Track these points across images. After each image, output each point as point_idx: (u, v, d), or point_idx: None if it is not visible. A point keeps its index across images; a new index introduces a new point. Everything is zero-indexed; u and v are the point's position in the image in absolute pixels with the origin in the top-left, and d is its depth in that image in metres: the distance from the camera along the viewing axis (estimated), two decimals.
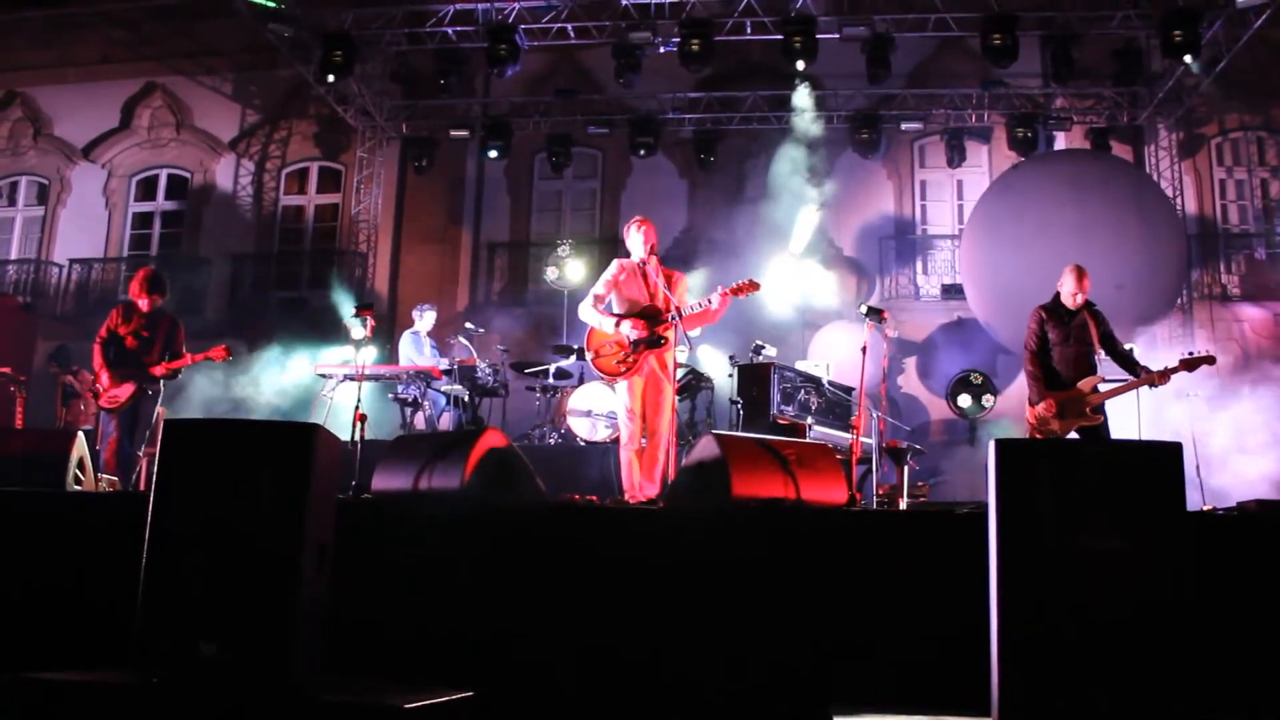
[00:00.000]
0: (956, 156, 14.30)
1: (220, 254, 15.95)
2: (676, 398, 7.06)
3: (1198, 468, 7.85)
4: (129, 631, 3.27)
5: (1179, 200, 13.74)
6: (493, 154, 14.62)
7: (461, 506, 4.49)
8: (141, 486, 7.28)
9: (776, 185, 12.87)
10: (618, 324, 6.38)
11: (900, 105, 14.21)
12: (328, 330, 13.07)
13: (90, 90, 16.54)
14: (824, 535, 4.25)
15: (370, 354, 10.03)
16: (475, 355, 10.28)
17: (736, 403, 8.85)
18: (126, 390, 7.53)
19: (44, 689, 3.13)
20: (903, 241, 14.87)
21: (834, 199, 13.38)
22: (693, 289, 7.33)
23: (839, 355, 11.06)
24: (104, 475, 6.91)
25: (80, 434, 6.30)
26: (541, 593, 4.21)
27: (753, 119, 14.38)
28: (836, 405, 9.35)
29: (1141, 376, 6.89)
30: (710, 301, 6.37)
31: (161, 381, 7.65)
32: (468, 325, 10.81)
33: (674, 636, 4.06)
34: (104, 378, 7.57)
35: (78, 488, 5.98)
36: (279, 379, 12.01)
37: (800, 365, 9.93)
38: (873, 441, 7.75)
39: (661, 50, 12.59)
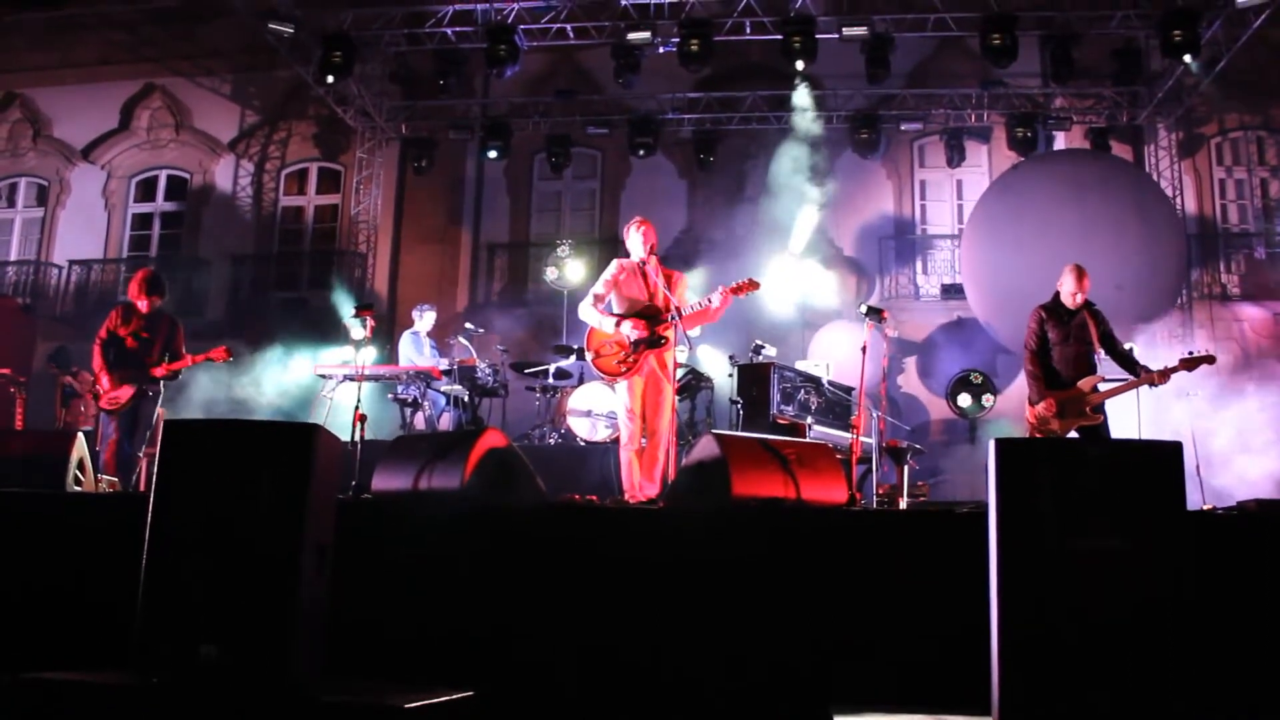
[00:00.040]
0: (956, 156, 14.30)
1: (220, 255, 15.95)
2: (676, 398, 7.06)
3: (1198, 467, 7.85)
4: (129, 632, 3.27)
5: (1179, 200, 13.74)
6: (492, 154, 14.62)
7: (461, 507, 4.49)
8: (141, 487, 7.28)
9: (776, 185, 12.86)
10: (618, 324, 6.38)
11: (900, 105, 14.22)
12: (327, 331, 13.08)
13: (90, 91, 16.54)
14: (824, 535, 4.25)
15: (370, 354, 10.03)
16: (475, 355, 10.28)
17: (736, 402, 8.84)
18: (127, 392, 7.53)
19: (44, 689, 3.13)
20: (902, 241, 14.87)
21: (834, 199, 13.37)
22: (693, 289, 7.33)
23: (839, 355, 11.06)
24: (104, 476, 6.91)
25: (80, 435, 6.30)
26: (541, 593, 4.20)
27: (752, 119, 14.38)
28: (836, 405, 9.35)
29: (1141, 376, 6.89)
30: (711, 301, 6.38)
31: (162, 382, 7.65)
32: (467, 325, 10.81)
33: (674, 636, 4.06)
34: (104, 380, 7.56)
35: (77, 489, 5.98)
36: (279, 379, 12.02)
37: (800, 365, 9.93)
38: (873, 441, 7.75)
39: (661, 50, 12.59)
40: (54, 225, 16.58)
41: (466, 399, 10.11)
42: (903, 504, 7.69)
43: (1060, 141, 14.19)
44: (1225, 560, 3.88)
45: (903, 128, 14.32)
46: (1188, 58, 11.60)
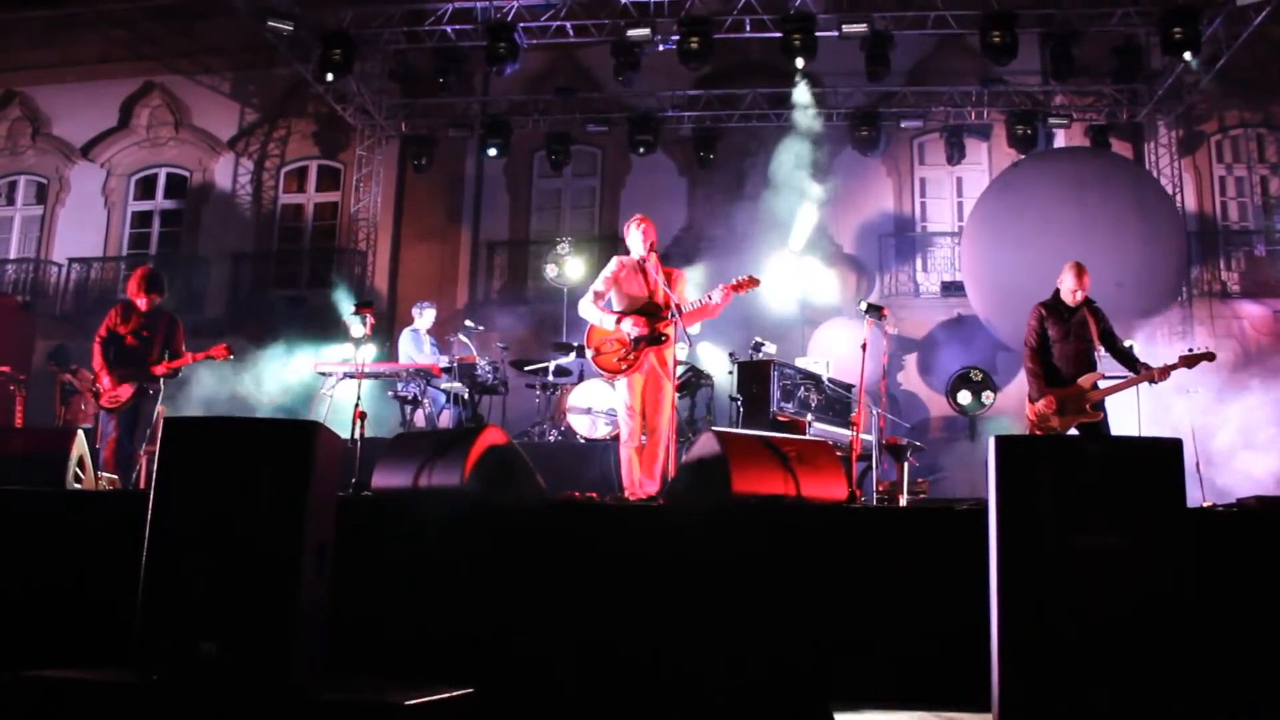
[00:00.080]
0: (956, 154, 14.29)
1: (219, 253, 15.95)
2: (676, 395, 7.06)
3: (1198, 464, 7.86)
4: (129, 630, 3.27)
5: (1179, 197, 13.74)
6: (492, 152, 14.62)
7: (461, 504, 4.49)
8: (141, 485, 7.28)
9: (776, 183, 12.86)
10: (618, 321, 6.38)
11: (900, 103, 14.21)
12: (327, 328, 13.08)
13: (89, 89, 16.54)
14: (824, 532, 4.25)
15: (370, 352, 10.04)
16: (475, 353, 10.27)
17: (736, 400, 8.84)
18: (127, 390, 7.53)
19: (44, 687, 3.13)
20: (902, 239, 14.88)
21: (834, 196, 13.37)
22: (693, 286, 7.33)
23: (839, 352, 11.07)
24: (104, 474, 6.90)
25: (80, 432, 6.30)
26: (542, 590, 4.21)
27: (752, 116, 14.38)
28: (836, 402, 9.35)
29: (1141, 373, 6.90)
30: (711, 298, 6.38)
31: (162, 380, 7.64)
32: (467, 323, 10.80)
33: (674, 633, 4.06)
34: (105, 379, 7.56)
35: (77, 486, 5.98)
36: (279, 377, 12.01)
37: (800, 362, 9.94)
38: (873, 438, 7.75)
39: (661, 48, 12.58)
40: (53, 223, 16.59)
41: (466, 396, 10.11)
42: (902, 501, 7.68)
43: (1060, 139, 14.19)
44: (1225, 558, 3.88)
45: (903, 125, 14.33)
46: (1188, 55, 11.59)
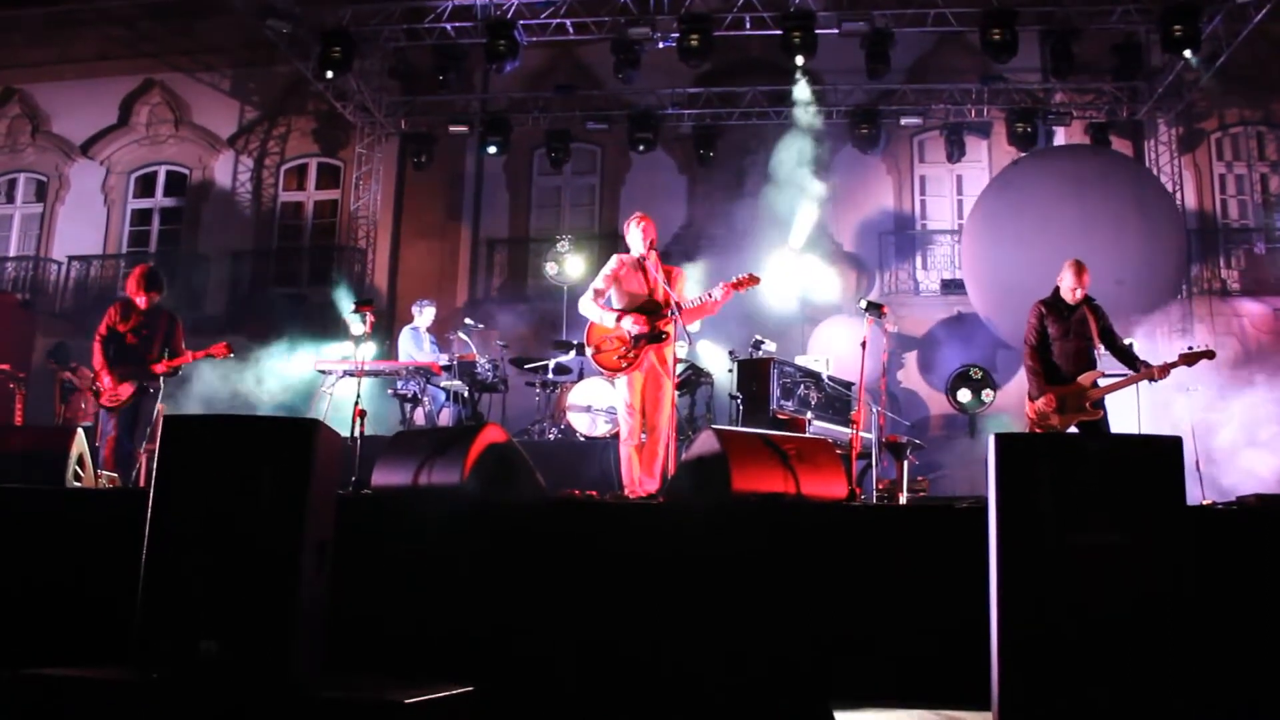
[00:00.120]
0: (956, 152, 14.30)
1: (219, 250, 15.95)
2: (676, 393, 7.06)
3: (1198, 462, 7.86)
4: (129, 628, 3.27)
5: (1179, 195, 13.74)
6: (492, 150, 14.61)
7: (461, 502, 4.49)
8: (141, 483, 7.28)
9: (776, 180, 12.87)
10: (619, 319, 6.38)
11: (900, 100, 14.19)
12: (327, 326, 13.08)
13: (89, 87, 16.53)
14: (824, 530, 4.25)
15: (370, 350, 10.04)
16: (475, 351, 10.27)
17: (736, 398, 8.85)
18: (127, 389, 7.53)
19: (44, 685, 3.13)
20: (902, 236, 14.88)
21: (834, 194, 13.37)
22: (693, 283, 7.33)
23: (839, 350, 11.06)
24: (103, 472, 6.91)
25: (80, 430, 6.31)
26: (541, 588, 4.21)
27: (752, 114, 14.37)
28: (836, 400, 9.35)
29: (1141, 371, 6.90)
30: (712, 295, 6.39)
31: (161, 379, 7.64)
32: (467, 321, 10.80)
33: (674, 631, 4.06)
34: (105, 379, 7.56)
35: (77, 484, 5.99)
36: (279, 375, 12.01)
37: (800, 360, 9.93)
38: (872, 436, 7.75)
39: (660, 45, 12.58)
40: (53, 221, 16.58)
41: (466, 394, 10.11)
42: (902, 499, 7.69)
43: (1060, 137, 14.18)
44: (1225, 555, 3.88)
45: (903, 123, 14.31)
46: (1188, 53, 11.59)
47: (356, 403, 6.93)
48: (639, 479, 6.35)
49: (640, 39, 12.51)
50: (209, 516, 3.27)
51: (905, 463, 8.17)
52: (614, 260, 6.64)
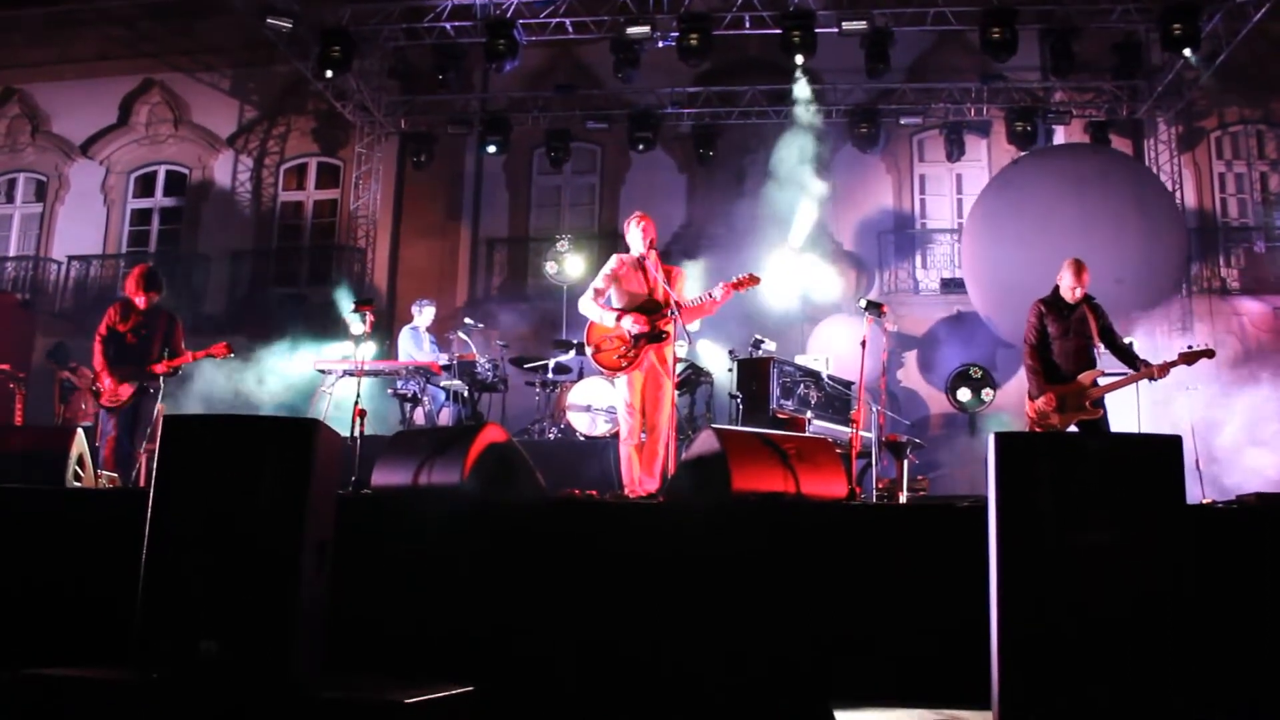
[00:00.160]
0: (956, 151, 14.29)
1: (219, 250, 15.94)
2: (676, 392, 7.06)
3: (1198, 461, 7.86)
4: (129, 628, 3.27)
5: (1178, 194, 13.73)
6: (491, 149, 14.60)
7: (461, 502, 4.49)
8: (141, 483, 7.28)
9: (775, 179, 12.86)
10: (618, 319, 6.38)
11: (899, 99, 14.19)
12: (327, 326, 13.07)
13: (88, 87, 16.52)
14: (823, 529, 4.25)
15: (370, 349, 10.04)
16: (475, 350, 10.27)
17: (736, 397, 8.84)
18: (128, 390, 7.53)
19: (44, 685, 3.13)
20: (902, 236, 14.87)
21: (833, 193, 13.37)
22: (692, 282, 7.33)
23: (838, 349, 11.05)
24: (103, 472, 6.91)
25: (80, 430, 6.31)
26: (541, 588, 4.21)
27: (751, 113, 14.37)
28: (836, 399, 9.35)
29: (1141, 370, 6.91)
30: (712, 295, 6.39)
31: (161, 379, 7.64)
32: (467, 320, 10.80)
33: (674, 631, 4.07)
34: (106, 380, 7.56)
35: (77, 484, 5.99)
36: (279, 375, 12.01)
37: (800, 359, 9.93)
38: (872, 435, 7.75)
39: (660, 45, 12.58)
40: (53, 221, 16.58)
41: (466, 394, 10.11)
42: (902, 498, 7.69)
43: (1060, 136, 14.17)
44: (1225, 554, 3.88)
45: (902, 122, 14.30)
46: (1187, 51, 11.59)
47: (356, 402, 6.92)
48: (639, 478, 6.35)
49: (640, 38, 12.50)
50: (209, 516, 3.27)
51: (905, 462, 8.18)
52: (614, 260, 6.65)
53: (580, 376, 9.91)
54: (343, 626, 3.65)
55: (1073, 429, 6.90)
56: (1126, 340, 7.33)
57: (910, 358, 14.16)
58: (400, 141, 15.62)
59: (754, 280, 6.52)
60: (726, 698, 3.96)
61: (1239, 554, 3.94)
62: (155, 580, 3.25)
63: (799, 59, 12.27)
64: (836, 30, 12.32)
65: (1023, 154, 13.42)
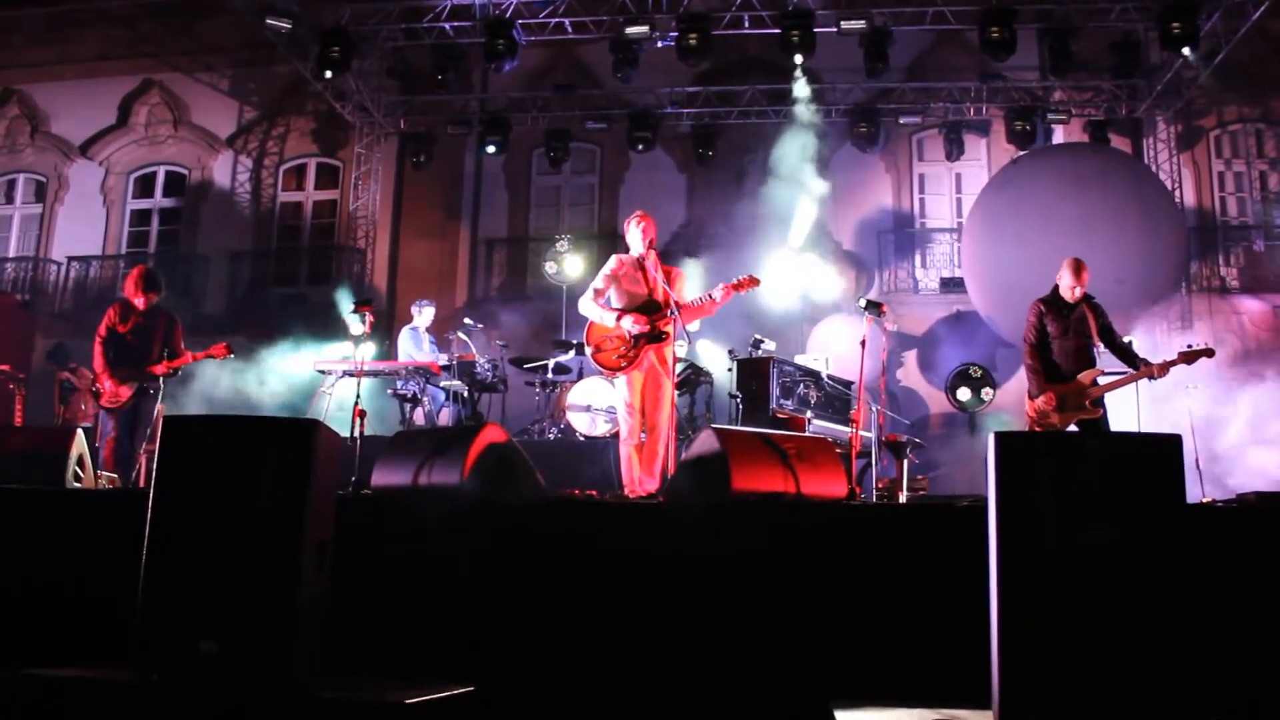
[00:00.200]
0: (955, 150, 14.29)
1: (218, 251, 15.94)
2: (676, 392, 7.06)
3: (1198, 460, 7.87)
4: (129, 629, 3.27)
5: (1177, 193, 13.73)
6: (491, 149, 14.59)
7: (461, 502, 4.49)
8: (141, 484, 7.28)
9: (775, 179, 12.87)
10: (618, 319, 6.38)
11: (898, 99, 14.18)
12: (327, 326, 13.06)
13: (88, 87, 16.51)
14: (823, 529, 4.25)
15: (369, 350, 10.03)
16: (474, 351, 10.28)
17: (736, 397, 8.84)
18: (127, 391, 7.53)
19: (44, 686, 3.13)
20: (901, 235, 14.88)
21: (833, 193, 13.37)
22: (691, 282, 7.33)
23: (838, 349, 11.06)
24: (103, 472, 6.90)
25: (79, 431, 6.31)
26: (541, 588, 4.21)
27: (751, 113, 14.37)
28: (836, 399, 9.35)
29: (1141, 369, 6.91)
30: (712, 296, 6.38)
31: (161, 379, 7.64)
32: (467, 321, 10.80)
33: (674, 631, 4.07)
34: (106, 382, 7.55)
35: (77, 485, 5.99)
36: (279, 375, 12.01)
37: (799, 359, 9.93)
38: (872, 435, 7.75)
39: (659, 44, 12.58)
40: (52, 221, 16.57)
41: (466, 394, 10.11)
42: (902, 498, 7.70)
43: (1059, 135, 14.16)
44: (1225, 553, 3.88)
45: (901, 121, 14.29)
46: (1186, 50, 11.58)
47: (356, 403, 6.92)
48: (639, 479, 6.35)
49: (639, 38, 12.50)
50: (209, 517, 3.27)
51: (905, 461, 8.18)
52: (613, 260, 6.65)
53: (580, 376, 9.91)
54: (343, 626, 3.65)
55: (1073, 428, 6.90)
56: (1126, 339, 7.33)
57: (910, 357, 14.17)
58: (400, 142, 15.62)
59: (754, 282, 6.51)
60: (726, 698, 3.96)
61: (1239, 553, 3.94)
62: (155, 580, 3.25)
63: (798, 58, 12.27)
64: (835, 30, 12.32)
65: (1022, 153, 13.43)
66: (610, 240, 14.15)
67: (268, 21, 12.56)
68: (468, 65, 14.39)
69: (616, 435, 7.20)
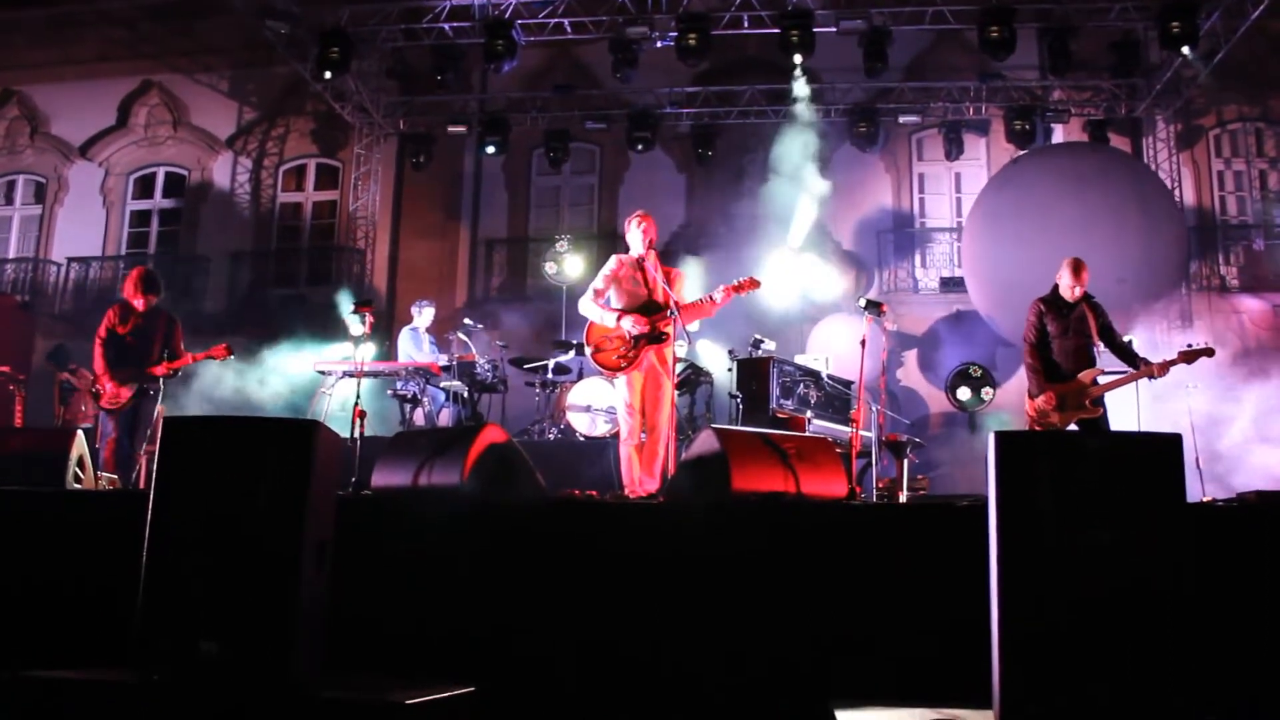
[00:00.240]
0: (954, 149, 14.29)
1: (218, 251, 15.94)
2: (676, 392, 7.06)
3: (1198, 459, 7.86)
4: (129, 629, 3.27)
5: (1177, 192, 13.74)
6: (490, 150, 14.60)
7: (461, 503, 4.49)
8: (141, 484, 7.28)
9: (774, 179, 12.87)
10: (618, 319, 6.38)
11: (898, 98, 14.18)
12: (327, 327, 13.05)
13: (87, 88, 16.52)
14: (823, 529, 4.25)
15: (369, 350, 10.02)
16: (474, 351, 10.27)
17: (736, 397, 8.84)
18: (128, 392, 7.53)
19: (44, 687, 3.13)
20: (901, 235, 14.88)
21: (832, 192, 13.37)
22: (690, 283, 7.33)
23: (838, 349, 11.05)
24: (103, 473, 6.90)
25: (79, 432, 6.31)
26: (541, 588, 4.21)
27: (750, 113, 14.38)
28: (836, 399, 9.35)
29: (1141, 369, 6.91)
30: (713, 297, 6.38)
31: (161, 380, 7.64)
32: (466, 321, 10.80)
33: (674, 631, 4.06)
34: (106, 383, 7.55)
35: (77, 486, 5.99)
36: (279, 376, 12.00)
37: (799, 359, 9.93)
38: (872, 435, 7.75)
39: (659, 45, 12.58)
40: (52, 222, 16.58)
41: (466, 395, 10.10)
42: (902, 498, 7.70)
43: (1058, 134, 14.17)
44: (1225, 552, 3.88)
45: (901, 121, 14.30)
46: (1186, 49, 11.58)
47: (356, 403, 6.92)
48: (639, 479, 6.34)
49: (638, 38, 12.51)
50: (209, 517, 3.27)
51: (905, 461, 8.18)
52: (613, 260, 6.64)
53: (580, 377, 9.91)
54: (343, 626, 3.65)
55: (1073, 428, 6.90)
56: (1126, 339, 7.33)
57: (910, 357, 14.17)
58: (399, 142, 15.62)
59: (754, 284, 6.51)
60: (726, 698, 3.96)
61: (1239, 552, 3.93)
62: (155, 581, 3.25)
63: (797, 58, 12.28)
64: (835, 29, 12.33)
65: (1022, 153, 13.43)
66: (610, 240, 14.15)
67: (267, 22, 12.62)
68: (467, 66, 14.39)
69: (616, 435, 7.20)
